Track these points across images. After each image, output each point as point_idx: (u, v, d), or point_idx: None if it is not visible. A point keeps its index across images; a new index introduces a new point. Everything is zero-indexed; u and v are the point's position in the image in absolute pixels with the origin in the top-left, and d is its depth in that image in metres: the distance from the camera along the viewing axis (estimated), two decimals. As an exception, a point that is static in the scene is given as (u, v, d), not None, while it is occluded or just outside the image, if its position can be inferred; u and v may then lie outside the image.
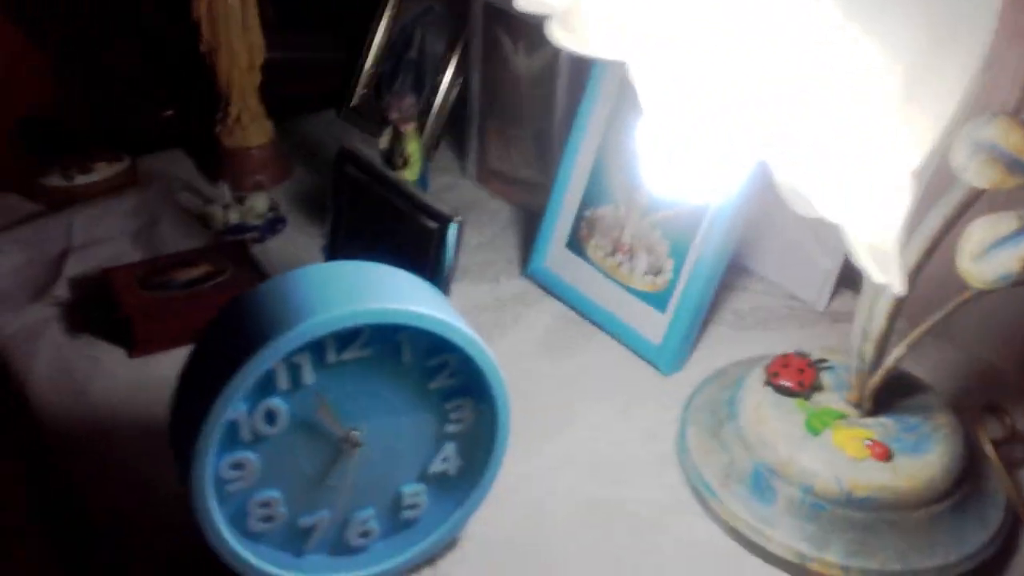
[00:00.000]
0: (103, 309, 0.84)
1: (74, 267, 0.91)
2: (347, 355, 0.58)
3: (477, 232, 1.05)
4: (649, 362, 0.86)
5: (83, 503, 0.71)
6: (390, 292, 0.59)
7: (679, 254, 0.84)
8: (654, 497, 0.73)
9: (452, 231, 0.69)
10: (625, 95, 0.87)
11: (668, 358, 0.85)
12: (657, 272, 0.86)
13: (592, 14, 0.46)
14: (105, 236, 0.97)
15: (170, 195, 1.05)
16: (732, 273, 0.94)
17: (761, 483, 0.69)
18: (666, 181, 0.52)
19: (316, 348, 0.56)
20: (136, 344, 0.82)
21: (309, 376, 0.57)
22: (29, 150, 1.77)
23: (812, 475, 0.67)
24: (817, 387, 0.73)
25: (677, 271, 0.84)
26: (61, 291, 0.89)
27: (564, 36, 0.47)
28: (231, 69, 1.04)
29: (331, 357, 0.57)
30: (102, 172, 1.04)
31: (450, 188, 1.13)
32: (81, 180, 1.03)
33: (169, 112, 1.22)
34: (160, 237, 0.98)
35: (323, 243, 1.00)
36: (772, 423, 0.71)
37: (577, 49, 0.47)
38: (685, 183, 0.52)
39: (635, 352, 0.87)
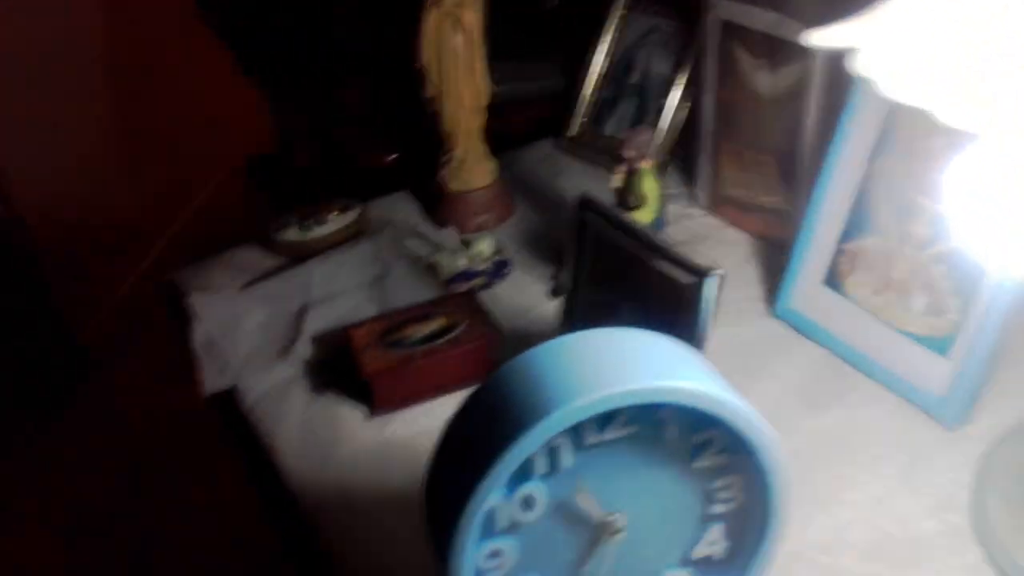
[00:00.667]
0: (344, 367, 0.84)
1: (314, 323, 0.93)
2: (608, 435, 0.53)
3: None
4: (929, 414, 0.75)
5: (332, 562, 0.71)
6: (650, 366, 0.53)
7: (966, 292, 0.73)
8: (955, 581, 0.62)
9: (710, 286, 0.62)
10: (895, 120, 0.77)
11: (955, 411, 0.73)
12: (938, 313, 0.75)
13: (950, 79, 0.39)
14: (341, 289, 0.98)
15: (399, 242, 1.05)
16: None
17: (1099, 574, 0.57)
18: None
19: (575, 430, 0.52)
20: (376, 405, 0.81)
21: (568, 459, 0.53)
22: (258, 187, 1.88)
23: None
24: None
25: (964, 312, 0.73)
26: (303, 349, 0.90)
27: (905, 93, 0.40)
28: (456, 113, 1.03)
29: (591, 438, 0.53)
30: (336, 223, 1.06)
31: (680, 218, 1.06)
32: (316, 232, 1.05)
33: (394, 156, 1.23)
34: (392, 288, 0.97)
35: (550, 284, 0.97)
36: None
37: (926, 107, 0.40)
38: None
39: (911, 403, 0.76)
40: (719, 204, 1.04)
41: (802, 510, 0.69)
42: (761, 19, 0.90)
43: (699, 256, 0.99)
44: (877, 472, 0.72)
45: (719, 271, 0.61)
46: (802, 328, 0.86)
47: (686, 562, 0.59)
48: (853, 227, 0.81)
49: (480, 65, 1.00)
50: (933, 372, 0.75)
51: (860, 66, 0.41)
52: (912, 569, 0.65)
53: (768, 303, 0.91)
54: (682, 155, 1.11)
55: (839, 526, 0.68)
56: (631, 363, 0.53)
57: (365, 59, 1.27)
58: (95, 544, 1.71)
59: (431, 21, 0.96)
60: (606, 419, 0.52)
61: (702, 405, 0.52)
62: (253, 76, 1.57)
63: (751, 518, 0.57)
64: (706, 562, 0.59)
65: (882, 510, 0.69)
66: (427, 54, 0.99)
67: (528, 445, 0.49)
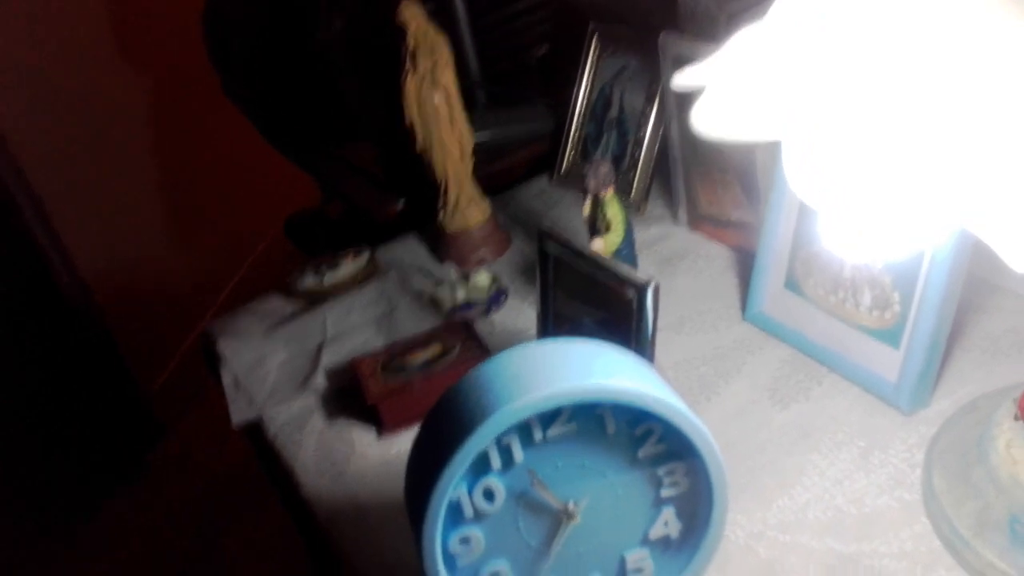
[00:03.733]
0: (354, 396, 0.94)
1: (329, 358, 1.03)
2: (553, 432, 0.61)
3: (693, 279, 1.05)
4: (887, 402, 0.81)
5: (343, 565, 0.80)
6: (587, 369, 0.61)
7: (905, 284, 0.79)
8: (901, 550, 0.68)
9: (648, 296, 0.70)
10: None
11: (908, 396, 0.79)
12: (884, 307, 0.81)
13: (740, 97, 0.45)
14: (353, 326, 1.08)
15: (406, 281, 1.15)
16: (981, 292, 0.87)
17: (1019, 530, 0.62)
18: (847, 246, 0.50)
19: (522, 429, 0.60)
20: (383, 427, 0.90)
21: (519, 455, 0.61)
22: (302, 246, 2.00)
23: (1079, 521, 0.60)
24: (1078, 419, 0.65)
25: (906, 303, 0.79)
26: (320, 381, 1.00)
27: (705, 123, 0.46)
28: (445, 162, 1.13)
29: (538, 435, 0.60)
30: (347, 268, 1.16)
31: (664, 238, 1.13)
32: (330, 277, 1.15)
33: (400, 203, 1.33)
34: (398, 322, 1.07)
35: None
36: (1026, 463, 0.64)
37: (722, 136, 0.46)
38: (872, 247, 0.49)
39: (870, 392, 0.82)
40: (697, 222, 1.12)
41: (764, 495, 0.75)
42: (706, 53, 0.98)
43: (680, 271, 1.07)
44: (836, 457, 0.77)
45: (653, 282, 0.69)
46: (770, 329, 0.92)
47: (645, 542, 0.65)
48: (803, 236, 0.88)
49: (460, 117, 1.10)
50: (886, 362, 0.81)
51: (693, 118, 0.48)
52: (867, 540, 0.69)
53: (742, 310, 0.97)
54: (664, 180, 1.19)
55: (798, 507, 0.74)
56: (568, 368, 0.61)
57: (370, 123, 1.39)
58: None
59: (411, 84, 1.07)
60: (550, 418, 0.60)
61: (631, 401, 0.59)
62: (276, 145, 1.70)
63: (698, 500, 0.64)
64: (664, 542, 0.65)
65: (839, 491, 0.74)
66: (411, 113, 1.09)
67: (477, 442, 0.57)
